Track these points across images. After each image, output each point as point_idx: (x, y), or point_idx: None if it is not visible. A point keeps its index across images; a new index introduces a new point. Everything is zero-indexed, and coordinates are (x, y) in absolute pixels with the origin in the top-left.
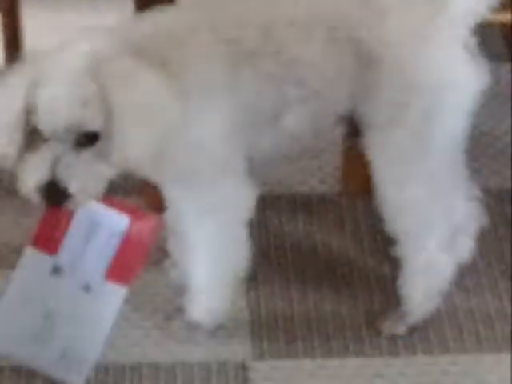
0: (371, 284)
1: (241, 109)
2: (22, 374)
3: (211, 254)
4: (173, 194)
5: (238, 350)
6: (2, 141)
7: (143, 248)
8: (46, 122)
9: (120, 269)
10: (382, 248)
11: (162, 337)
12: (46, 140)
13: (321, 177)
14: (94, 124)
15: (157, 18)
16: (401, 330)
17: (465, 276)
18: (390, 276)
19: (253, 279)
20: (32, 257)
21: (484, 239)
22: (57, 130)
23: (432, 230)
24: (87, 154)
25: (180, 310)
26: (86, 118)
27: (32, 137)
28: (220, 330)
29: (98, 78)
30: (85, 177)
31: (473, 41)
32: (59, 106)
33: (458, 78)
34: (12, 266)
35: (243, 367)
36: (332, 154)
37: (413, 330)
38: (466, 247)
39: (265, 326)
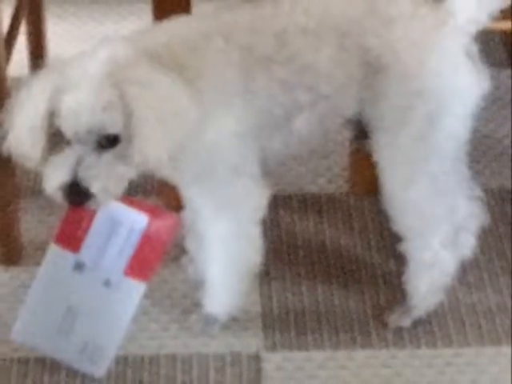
0: (378, 279)
1: (254, 112)
2: (46, 365)
3: (226, 250)
4: (190, 193)
5: (251, 341)
6: (27, 143)
7: (162, 245)
8: (69, 125)
9: (139, 265)
10: (388, 245)
11: (179, 330)
12: (68, 142)
13: (329, 177)
14: (114, 127)
15: (172, 26)
16: (406, 323)
17: (467, 272)
18: (396, 272)
19: (265, 275)
20: (56, 254)
21: (485, 237)
22: (79, 133)
23: (436, 228)
24: (108, 155)
25: (197, 305)
26: (107, 122)
27: (55, 139)
28: (234, 323)
29: (118, 84)
30: (106, 177)
31: (475, 48)
32: (82, 111)
33: (461, 84)
34: (37, 263)
35: (256, 358)
36: (340, 155)
37: (417, 323)
38: (468, 244)
39: (277, 319)
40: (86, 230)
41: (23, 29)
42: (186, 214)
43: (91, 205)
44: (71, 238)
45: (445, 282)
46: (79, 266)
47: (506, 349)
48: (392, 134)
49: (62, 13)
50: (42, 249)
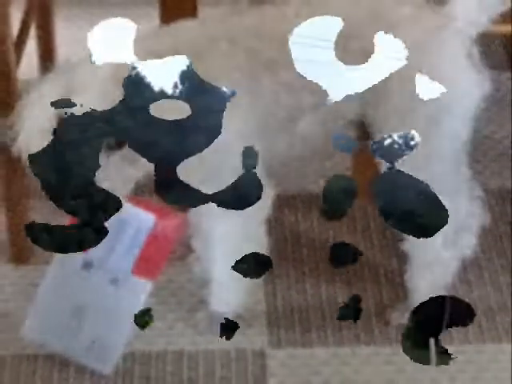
0: (380, 278)
1: (259, 115)
2: (55, 362)
3: (232, 249)
4: None
5: (256, 338)
6: (36, 145)
7: (168, 244)
8: None
9: (146, 264)
10: (391, 244)
11: (185, 327)
12: None
13: None
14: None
15: (178, 29)
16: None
17: (467, 270)
18: (398, 270)
19: (270, 273)
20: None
21: (485, 236)
22: None
23: None
24: (116, 157)
25: (203, 303)
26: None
27: None
28: (239, 321)
29: None
30: (113, 178)
31: (475, 50)
32: None
33: (461, 86)
34: (46, 262)
35: (261, 355)
36: (343, 156)
37: None
38: (468, 243)
39: (281, 316)
40: None
41: (33, 33)
42: (192, 214)
43: None
44: None
45: (446, 280)
46: (87, 265)
47: (506, 346)
48: None
49: (70, 17)
50: None
